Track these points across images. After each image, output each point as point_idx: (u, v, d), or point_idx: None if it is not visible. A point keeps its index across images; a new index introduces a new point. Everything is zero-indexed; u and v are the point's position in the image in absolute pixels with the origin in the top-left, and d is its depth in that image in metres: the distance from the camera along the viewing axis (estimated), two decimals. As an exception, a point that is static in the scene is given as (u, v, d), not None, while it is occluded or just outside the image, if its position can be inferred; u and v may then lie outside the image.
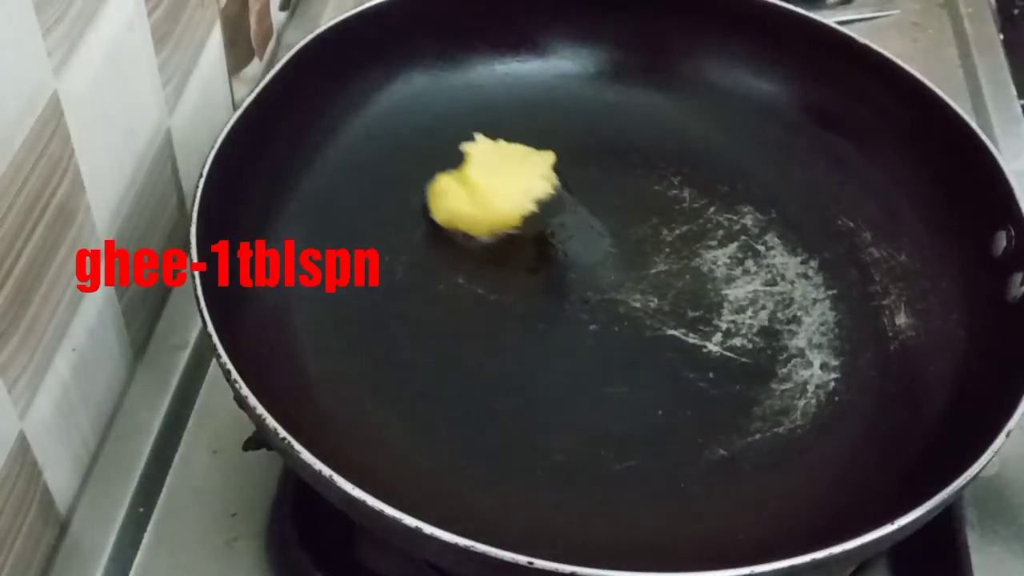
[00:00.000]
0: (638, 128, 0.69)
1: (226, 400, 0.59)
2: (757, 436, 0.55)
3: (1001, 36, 0.87)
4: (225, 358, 0.49)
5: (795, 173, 0.67)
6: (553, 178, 0.65)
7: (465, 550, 0.44)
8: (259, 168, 0.61)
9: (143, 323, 0.65)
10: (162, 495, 0.58)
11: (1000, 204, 0.58)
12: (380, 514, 0.45)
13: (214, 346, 0.50)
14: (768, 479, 0.54)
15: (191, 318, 0.65)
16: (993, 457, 0.48)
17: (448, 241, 0.63)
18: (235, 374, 0.48)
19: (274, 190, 0.62)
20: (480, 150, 0.64)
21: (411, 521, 0.44)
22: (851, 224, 0.64)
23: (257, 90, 0.60)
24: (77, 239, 0.55)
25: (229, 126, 0.58)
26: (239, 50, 0.76)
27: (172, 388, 0.63)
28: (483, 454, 0.54)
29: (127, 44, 0.59)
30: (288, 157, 0.63)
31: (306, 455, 0.46)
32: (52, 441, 0.55)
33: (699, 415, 0.56)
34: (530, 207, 0.64)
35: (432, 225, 0.64)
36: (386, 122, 0.67)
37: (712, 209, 0.65)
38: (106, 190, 0.58)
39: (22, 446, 0.52)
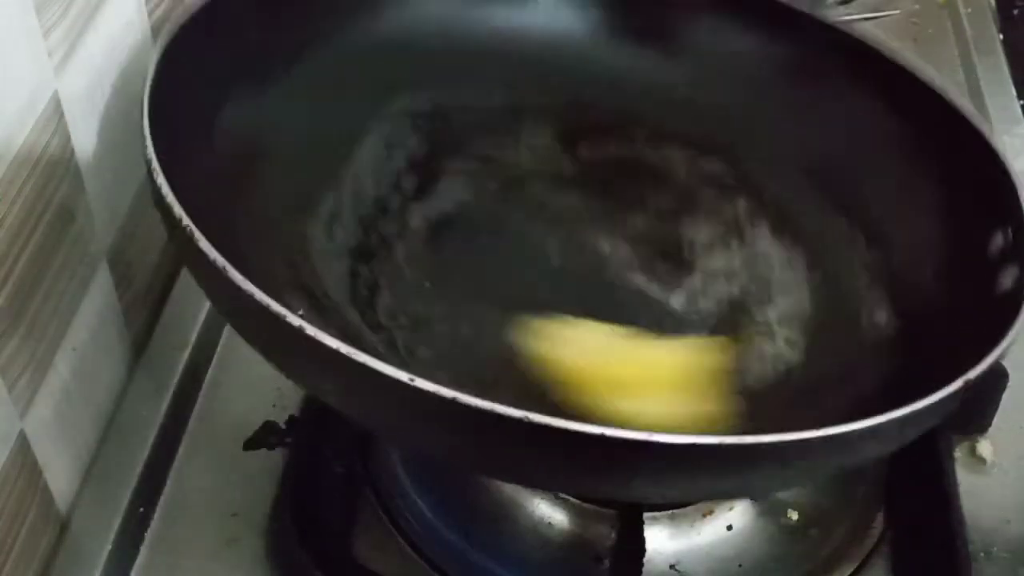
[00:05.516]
0: (645, 95, 0.65)
1: (227, 400, 0.60)
2: None
3: (1001, 36, 0.87)
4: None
5: (796, 162, 0.64)
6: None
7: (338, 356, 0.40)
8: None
9: (143, 323, 0.65)
10: (162, 495, 0.59)
11: (1000, 203, 0.57)
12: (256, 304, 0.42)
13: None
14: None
15: (191, 318, 0.65)
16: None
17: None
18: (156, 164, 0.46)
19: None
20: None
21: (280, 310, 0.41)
22: (847, 218, 0.62)
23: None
24: (77, 239, 0.55)
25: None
26: (239, 50, 0.76)
27: (172, 388, 0.63)
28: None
29: (127, 44, 0.59)
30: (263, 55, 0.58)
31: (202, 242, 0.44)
32: (52, 441, 0.55)
33: None
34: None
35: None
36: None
37: (705, 187, 0.63)
38: (107, 190, 0.58)
39: (22, 446, 0.52)
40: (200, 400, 0.62)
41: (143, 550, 0.57)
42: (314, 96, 0.59)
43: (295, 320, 0.41)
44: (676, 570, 0.55)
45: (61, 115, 0.52)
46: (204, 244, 0.44)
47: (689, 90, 0.66)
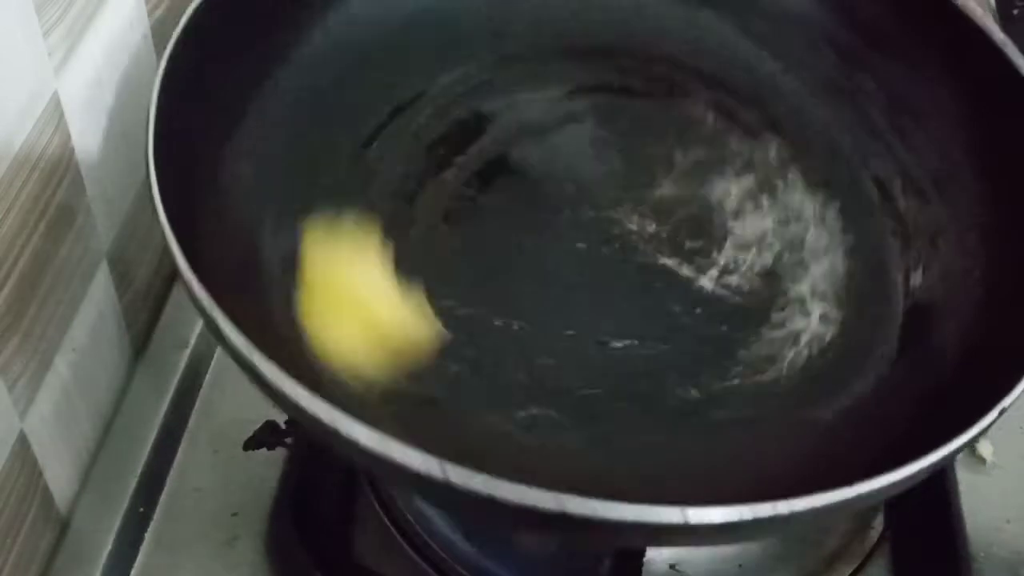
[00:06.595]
0: (666, 37, 0.63)
1: (226, 399, 0.60)
2: (736, 381, 0.51)
3: (1001, 36, 0.87)
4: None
5: (835, 103, 0.61)
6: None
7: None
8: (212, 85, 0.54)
9: (143, 322, 0.65)
10: (162, 495, 0.58)
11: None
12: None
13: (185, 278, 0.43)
14: (740, 427, 0.50)
15: (191, 317, 0.65)
16: (982, 433, 0.43)
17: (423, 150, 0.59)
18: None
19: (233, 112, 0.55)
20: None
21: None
22: (887, 165, 0.58)
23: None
24: (78, 239, 0.55)
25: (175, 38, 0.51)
26: (239, 50, 0.76)
27: (172, 387, 0.63)
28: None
29: (127, 44, 0.59)
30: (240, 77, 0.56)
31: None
32: (52, 441, 0.55)
33: (677, 352, 0.52)
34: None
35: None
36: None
37: (735, 135, 0.60)
38: (107, 190, 0.58)
39: (22, 446, 0.52)
40: (200, 400, 0.62)
41: (143, 550, 0.56)
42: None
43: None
44: (676, 570, 0.55)
45: (61, 115, 0.52)
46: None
47: (721, 35, 0.63)
